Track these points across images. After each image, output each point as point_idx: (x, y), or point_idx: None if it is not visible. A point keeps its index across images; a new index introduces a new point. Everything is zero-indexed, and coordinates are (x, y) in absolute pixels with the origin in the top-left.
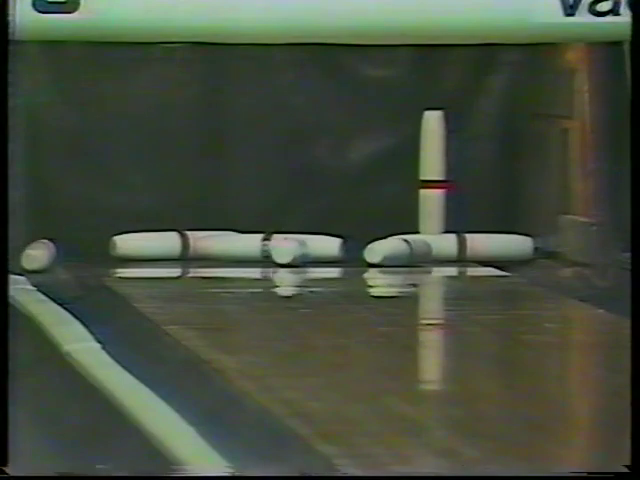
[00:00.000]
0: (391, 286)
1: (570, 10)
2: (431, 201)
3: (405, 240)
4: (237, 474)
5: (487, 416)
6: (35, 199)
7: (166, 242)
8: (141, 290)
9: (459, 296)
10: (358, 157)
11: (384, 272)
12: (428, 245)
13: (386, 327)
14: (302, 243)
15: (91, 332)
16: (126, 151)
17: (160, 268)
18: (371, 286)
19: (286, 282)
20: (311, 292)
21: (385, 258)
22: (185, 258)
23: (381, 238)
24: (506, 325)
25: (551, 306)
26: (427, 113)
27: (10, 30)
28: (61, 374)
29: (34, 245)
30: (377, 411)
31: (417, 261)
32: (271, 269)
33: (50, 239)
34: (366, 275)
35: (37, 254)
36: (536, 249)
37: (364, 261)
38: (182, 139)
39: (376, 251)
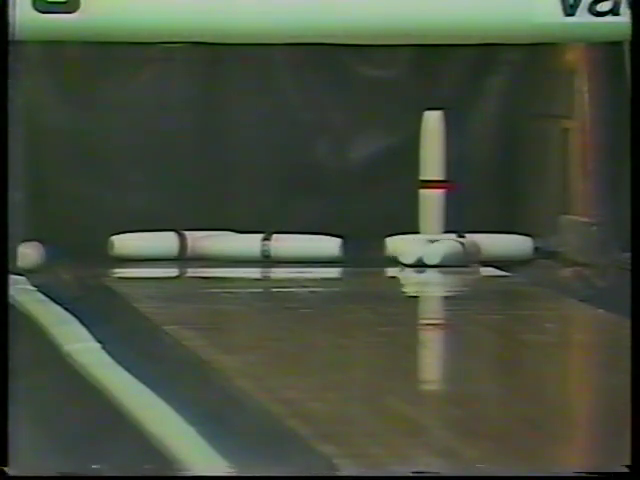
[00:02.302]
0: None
1: (570, 10)
2: (431, 201)
3: (458, 241)
4: (237, 474)
5: (487, 416)
6: (34, 199)
7: (164, 242)
8: (141, 290)
9: (459, 296)
10: (358, 157)
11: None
12: (477, 245)
13: (386, 327)
14: (426, 244)
15: (91, 332)
16: (126, 151)
17: (159, 268)
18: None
19: (411, 283)
20: (311, 292)
21: (444, 259)
22: (183, 258)
23: (381, 238)
24: (506, 325)
25: (551, 306)
26: (427, 113)
27: (10, 30)
28: (61, 374)
29: (25, 244)
30: (377, 411)
31: (469, 261)
32: (273, 269)
33: (39, 240)
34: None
35: (28, 252)
36: (536, 249)
37: (364, 261)
38: (182, 139)
39: (435, 253)
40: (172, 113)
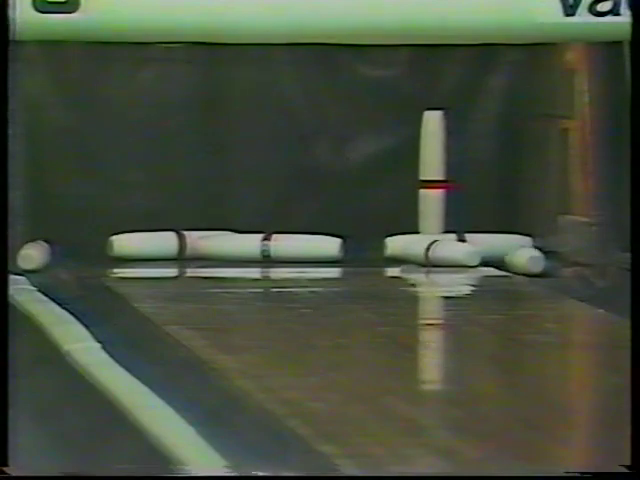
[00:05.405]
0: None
1: (570, 10)
2: (431, 201)
3: None
4: (237, 474)
5: (487, 416)
6: (34, 199)
7: (163, 242)
8: (140, 290)
9: (459, 296)
10: (358, 157)
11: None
12: None
13: (386, 327)
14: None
15: (91, 332)
16: (125, 151)
17: (159, 268)
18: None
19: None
20: (311, 292)
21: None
22: (183, 258)
23: (381, 238)
24: (506, 325)
25: (551, 306)
26: (427, 113)
27: (10, 30)
28: (61, 374)
29: (30, 245)
30: (377, 411)
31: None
32: (273, 269)
33: (46, 240)
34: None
35: (33, 254)
36: (536, 249)
37: (364, 261)
38: (181, 139)
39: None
40: (172, 113)
